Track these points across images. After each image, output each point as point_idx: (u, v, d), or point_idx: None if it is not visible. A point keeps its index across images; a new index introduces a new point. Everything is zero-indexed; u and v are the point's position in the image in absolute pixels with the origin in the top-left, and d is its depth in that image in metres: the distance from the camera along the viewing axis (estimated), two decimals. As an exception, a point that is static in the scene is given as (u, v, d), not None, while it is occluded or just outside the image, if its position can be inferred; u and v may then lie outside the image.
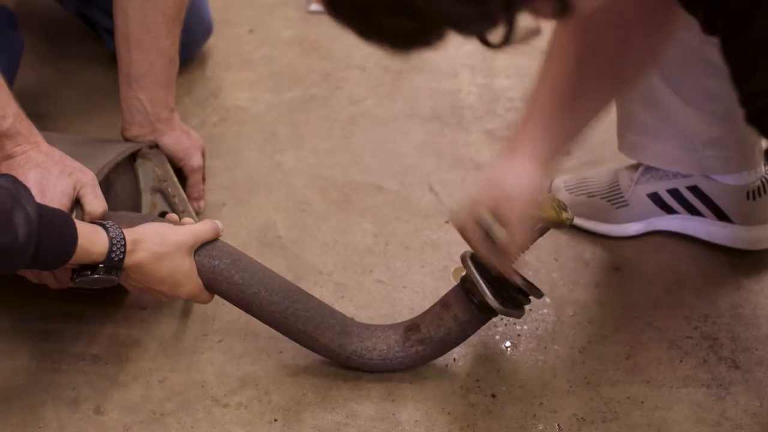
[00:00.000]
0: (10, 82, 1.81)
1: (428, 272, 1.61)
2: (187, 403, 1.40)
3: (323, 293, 1.57)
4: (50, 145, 1.38)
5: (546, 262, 1.61)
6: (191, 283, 1.35)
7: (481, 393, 1.40)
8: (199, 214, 1.68)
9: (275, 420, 1.37)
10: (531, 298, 1.37)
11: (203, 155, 1.67)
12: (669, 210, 1.62)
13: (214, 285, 1.37)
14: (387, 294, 1.57)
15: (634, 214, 1.64)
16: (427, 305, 1.53)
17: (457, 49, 2.14)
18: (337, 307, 1.54)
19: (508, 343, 1.48)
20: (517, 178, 1.26)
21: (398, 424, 1.36)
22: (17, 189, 1.19)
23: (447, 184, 1.78)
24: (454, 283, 1.58)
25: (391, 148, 1.88)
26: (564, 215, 1.29)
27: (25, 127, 1.36)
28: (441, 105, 1.99)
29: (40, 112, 1.96)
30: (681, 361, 1.45)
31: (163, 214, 1.58)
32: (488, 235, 1.27)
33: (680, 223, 1.64)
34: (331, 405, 1.39)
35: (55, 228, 1.20)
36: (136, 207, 1.58)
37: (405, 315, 1.53)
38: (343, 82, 2.05)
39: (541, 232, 1.32)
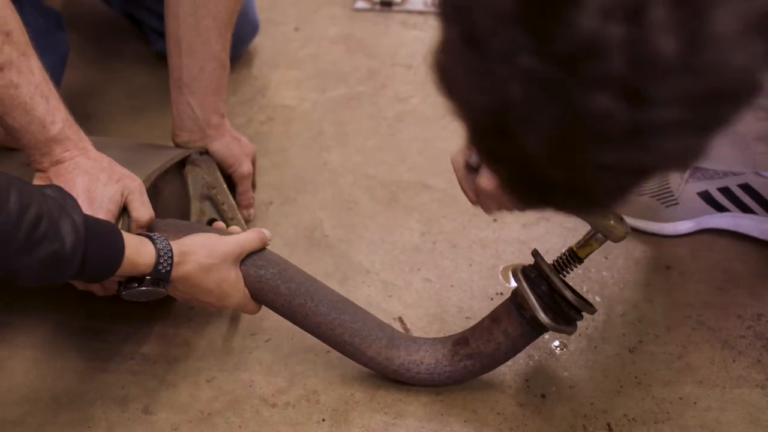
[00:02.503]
0: (57, 82, 1.82)
1: (476, 271, 1.60)
2: (235, 403, 1.39)
3: (371, 292, 1.56)
4: (98, 151, 1.38)
5: (596, 261, 1.59)
6: (238, 293, 1.35)
7: (531, 393, 1.39)
8: (249, 222, 1.67)
9: (323, 420, 1.36)
10: (583, 313, 1.34)
11: (253, 162, 1.66)
12: (720, 208, 1.60)
13: (260, 295, 1.37)
14: (435, 293, 1.56)
15: (685, 212, 1.62)
16: (475, 304, 1.52)
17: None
18: (385, 306, 1.53)
19: (557, 343, 1.46)
20: None
21: (447, 425, 1.35)
22: (64, 199, 1.18)
23: (494, 182, 1.77)
24: (502, 281, 1.57)
25: (437, 146, 1.87)
26: (620, 228, 1.26)
27: (74, 132, 1.36)
28: (488, 102, 1.97)
29: (87, 112, 1.97)
30: (734, 360, 1.43)
31: (211, 222, 1.57)
32: (472, 170, 1.27)
33: (732, 220, 1.61)
34: (379, 405, 1.38)
35: (102, 239, 1.19)
36: (185, 214, 1.57)
37: (453, 314, 1.52)
38: (388, 80, 2.05)
39: (598, 245, 1.29)
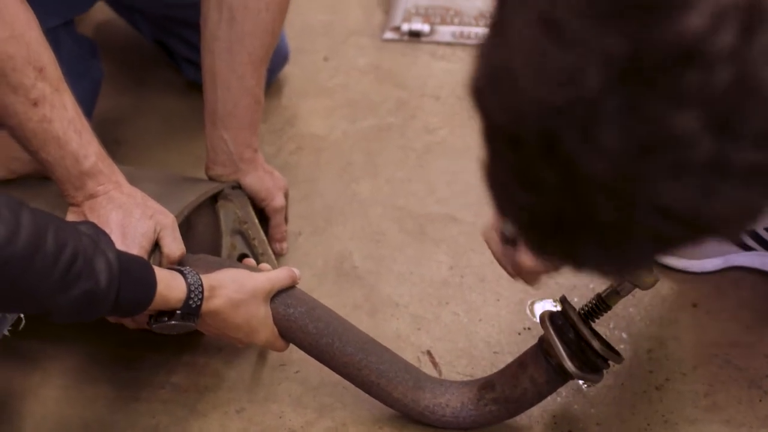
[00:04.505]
0: (90, 110, 1.85)
1: (504, 305, 1.61)
2: (265, 435, 1.41)
3: (399, 325, 1.57)
4: (132, 186, 1.40)
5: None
6: (266, 330, 1.37)
7: (558, 429, 1.40)
8: (281, 256, 1.69)
9: (352, 453, 1.38)
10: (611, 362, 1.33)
11: (286, 195, 1.68)
12: (747, 247, 1.61)
13: (288, 333, 1.38)
14: (463, 327, 1.57)
15: (712, 249, 1.63)
16: (503, 338, 1.53)
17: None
18: (413, 339, 1.54)
19: (585, 379, 1.47)
20: None
21: (475, 460, 1.36)
22: (98, 236, 1.20)
23: (522, 216, 1.78)
24: (530, 316, 1.58)
25: (465, 178, 1.88)
26: (650, 277, 1.27)
27: (107, 166, 1.38)
28: (516, 135, 1.99)
29: (119, 139, 1.99)
30: (761, 400, 1.43)
31: (242, 257, 1.59)
32: (509, 243, 1.25)
33: (759, 259, 1.62)
34: (407, 440, 1.39)
35: (135, 275, 1.21)
36: (216, 248, 1.59)
37: (481, 348, 1.53)
38: (417, 111, 2.06)
39: (626, 292, 1.30)
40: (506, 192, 0.77)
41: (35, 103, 1.32)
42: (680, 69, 0.61)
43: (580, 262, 0.79)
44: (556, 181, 0.70)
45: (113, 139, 1.98)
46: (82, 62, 1.83)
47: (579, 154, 0.67)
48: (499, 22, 0.70)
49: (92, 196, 1.38)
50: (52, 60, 1.34)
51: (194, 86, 1.99)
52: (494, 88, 0.71)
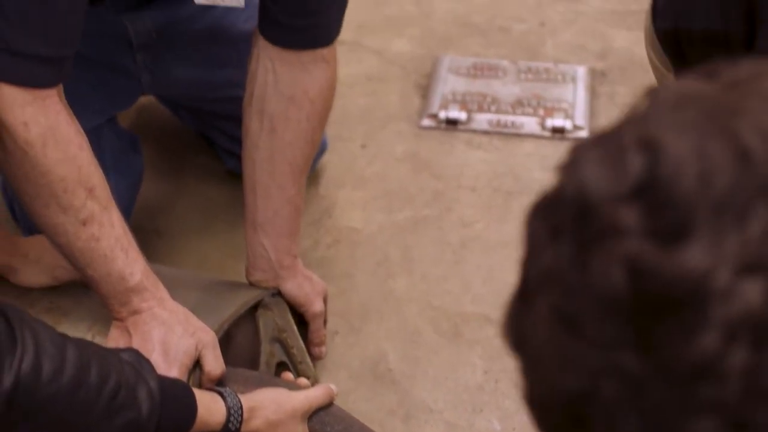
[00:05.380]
0: (131, 204, 1.88)
1: (538, 414, 1.62)
2: None
3: (434, 434, 1.59)
4: (174, 302, 1.42)
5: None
6: None
7: None
8: (320, 360, 1.71)
9: None
10: None
11: (325, 300, 1.70)
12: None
13: None
14: (497, 437, 1.59)
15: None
16: (537, 449, 1.54)
17: (567, 170, 2.15)
18: (447, 449, 1.56)
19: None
20: None
21: None
22: (140, 363, 1.23)
23: (557, 317, 1.79)
24: (563, 424, 1.59)
25: (501, 276, 1.90)
26: None
27: (152, 283, 1.41)
28: (551, 230, 2.00)
29: (159, 227, 2.02)
30: None
31: (280, 365, 1.61)
32: None
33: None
34: None
35: (177, 402, 1.24)
36: (255, 357, 1.61)
37: (515, 459, 1.54)
38: (454, 203, 2.08)
39: None
40: None
41: (84, 223, 1.36)
42: (695, 382, 0.63)
43: None
44: None
45: (153, 229, 2.01)
46: (124, 158, 1.86)
47: None
48: (524, 294, 0.71)
49: (136, 312, 1.40)
50: (102, 180, 1.38)
51: (234, 175, 2.02)
52: (521, 357, 0.72)
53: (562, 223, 0.66)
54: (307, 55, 1.58)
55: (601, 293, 0.64)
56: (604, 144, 0.65)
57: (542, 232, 0.68)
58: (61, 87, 1.37)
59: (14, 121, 1.32)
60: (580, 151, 0.67)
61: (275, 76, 1.58)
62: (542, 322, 0.69)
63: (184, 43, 1.82)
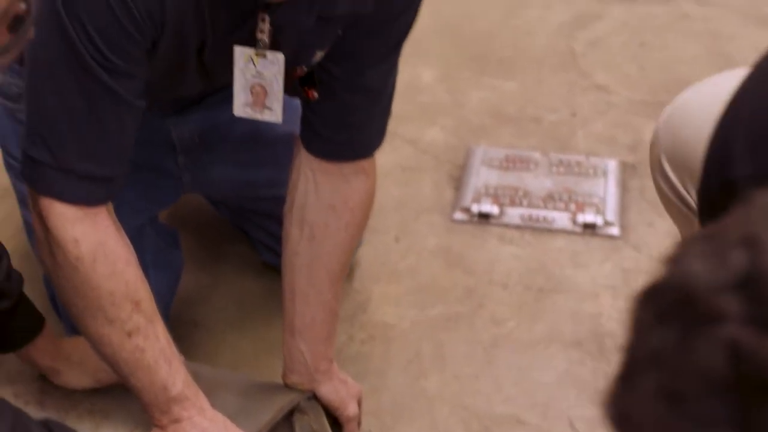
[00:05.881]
0: (170, 300, 1.93)
1: None
2: None
3: None
4: (214, 410, 1.46)
5: None
6: None
7: None
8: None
9: None
10: None
11: (359, 402, 1.73)
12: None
13: None
14: None
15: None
16: None
17: (597, 267, 2.18)
18: None
19: None
20: None
21: None
22: None
23: (587, 421, 1.82)
24: None
25: (532, 376, 1.92)
26: None
27: (193, 393, 1.45)
28: (582, 330, 2.03)
29: (196, 319, 2.06)
30: None
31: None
32: None
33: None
34: None
35: None
36: (290, 459, 1.65)
37: None
38: (485, 300, 2.11)
39: None
40: None
41: (130, 334, 1.40)
42: None
43: None
44: None
45: (190, 320, 2.05)
46: (165, 255, 1.91)
47: None
48: (629, 374, 0.75)
49: (177, 421, 1.44)
50: (147, 293, 1.42)
51: (270, 268, 2.06)
52: (622, 423, 0.76)
53: (668, 310, 0.71)
54: (347, 167, 1.63)
55: (705, 373, 0.68)
56: (708, 240, 0.71)
57: (649, 318, 0.73)
58: (110, 203, 1.42)
59: (65, 237, 1.37)
60: (687, 246, 0.73)
61: (316, 186, 1.63)
62: (647, 400, 0.73)
63: (224, 146, 1.87)
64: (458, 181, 2.43)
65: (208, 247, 2.27)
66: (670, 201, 1.58)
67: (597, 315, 2.07)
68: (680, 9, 3.16)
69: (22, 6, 0.98)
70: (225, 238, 2.28)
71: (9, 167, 1.85)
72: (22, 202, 1.84)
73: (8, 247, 1.47)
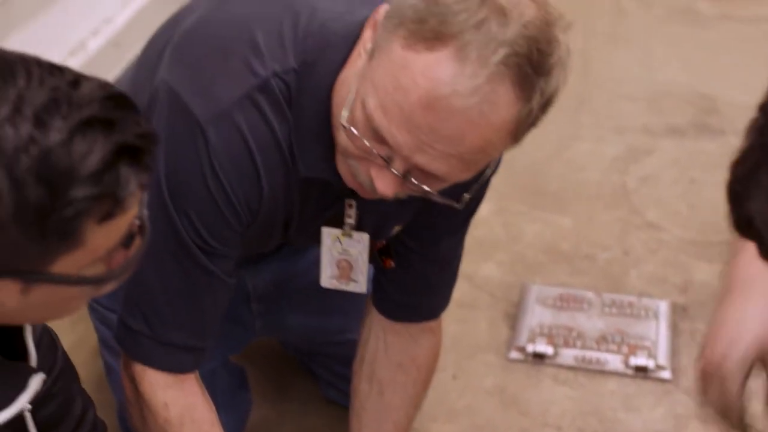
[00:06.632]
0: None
1: None
2: None
3: None
4: None
5: None
6: None
7: None
8: None
9: None
10: None
11: None
12: None
13: None
14: None
15: None
16: None
17: (649, 411, 2.24)
18: None
19: None
20: None
21: None
22: None
23: None
24: None
25: None
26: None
27: None
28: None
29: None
30: None
31: None
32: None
33: None
34: None
35: None
36: None
37: None
38: (538, 443, 2.18)
39: None
40: None
41: None
42: None
43: None
44: None
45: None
46: (234, 396, 2.00)
47: None
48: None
49: None
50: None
51: (333, 403, 2.14)
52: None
53: None
54: (416, 327, 1.72)
55: None
56: None
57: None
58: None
59: (156, 401, 1.46)
60: None
61: (386, 345, 1.72)
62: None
63: (298, 294, 1.96)
64: (513, 320, 2.50)
65: (274, 378, 2.35)
66: None
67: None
68: (729, 145, 3.22)
69: (137, 222, 1.05)
70: (289, 371, 2.36)
71: (92, 309, 1.95)
72: (104, 344, 1.93)
73: (81, 373, 1.53)
